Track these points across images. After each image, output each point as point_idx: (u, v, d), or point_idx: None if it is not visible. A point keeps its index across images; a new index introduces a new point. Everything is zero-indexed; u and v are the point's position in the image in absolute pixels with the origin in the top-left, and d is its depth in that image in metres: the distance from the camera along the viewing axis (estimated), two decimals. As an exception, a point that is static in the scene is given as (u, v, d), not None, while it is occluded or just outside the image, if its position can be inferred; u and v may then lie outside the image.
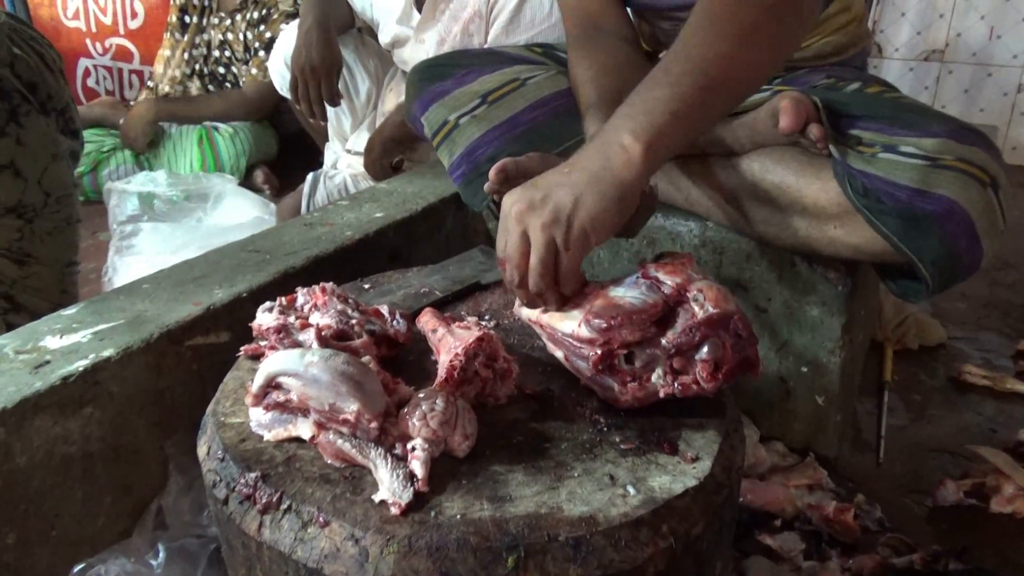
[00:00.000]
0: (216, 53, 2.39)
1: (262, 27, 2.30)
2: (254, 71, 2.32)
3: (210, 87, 2.46)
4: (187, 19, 2.41)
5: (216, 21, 2.36)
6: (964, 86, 2.69)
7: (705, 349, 0.64)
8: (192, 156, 2.30)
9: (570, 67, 1.06)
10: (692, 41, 0.77)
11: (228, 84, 2.44)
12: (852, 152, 0.94)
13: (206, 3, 2.37)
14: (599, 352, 0.65)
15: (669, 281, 0.67)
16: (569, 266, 0.69)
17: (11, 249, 1.13)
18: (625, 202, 0.71)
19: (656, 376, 0.65)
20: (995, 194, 0.88)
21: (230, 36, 2.34)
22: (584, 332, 0.66)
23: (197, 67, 2.44)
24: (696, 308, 0.65)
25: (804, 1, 0.81)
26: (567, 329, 0.68)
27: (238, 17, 2.32)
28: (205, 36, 2.39)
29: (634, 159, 0.71)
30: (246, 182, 2.40)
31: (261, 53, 2.29)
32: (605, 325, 0.65)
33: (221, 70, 2.42)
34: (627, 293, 0.67)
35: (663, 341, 0.65)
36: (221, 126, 2.35)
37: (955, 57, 2.68)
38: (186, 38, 2.42)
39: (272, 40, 2.26)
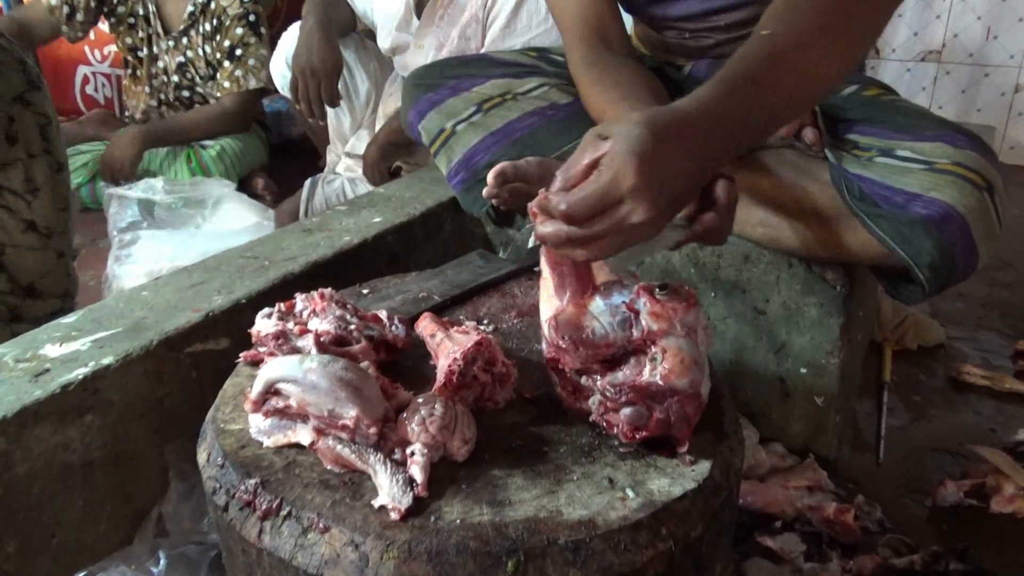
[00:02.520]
0: (176, 78, 2.33)
1: (217, 37, 2.24)
2: (227, 84, 2.26)
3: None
4: (139, 53, 2.35)
5: (166, 46, 2.29)
6: (961, 86, 2.70)
7: (627, 412, 0.61)
8: (182, 177, 2.27)
9: (586, 87, 1.00)
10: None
11: (197, 104, 2.38)
12: (848, 156, 0.94)
13: (149, 32, 2.30)
14: (551, 354, 0.65)
15: (645, 324, 0.61)
16: (609, 247, 0.64)
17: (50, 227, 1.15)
18: None
19: (592, 402, 0.64)
20: (991, 198, 0.88)
21: (189, 54, 2.28)
22: (544, 330, 0.66)
23: (162, 96, 2.39)
24: (646, 368, 0.61)
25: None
26: (543, 312, 0.69)
27: (192, 33, 2.26)
28: (160, 63, 2.33)
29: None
30: (246, 189, 2.40)
31: (226, 63, 2.25)
32: (556, 342, 0.63)
33: (186, 93, 2.37)
34: (601, 315, 0.63)
35: (598, 381, 0.63)
36: (208, 144, 2.30)
37: (952, 58, 2.69)
38: (143, 70, 2.36)
39: (232, 48, 2.23)
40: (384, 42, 1.74)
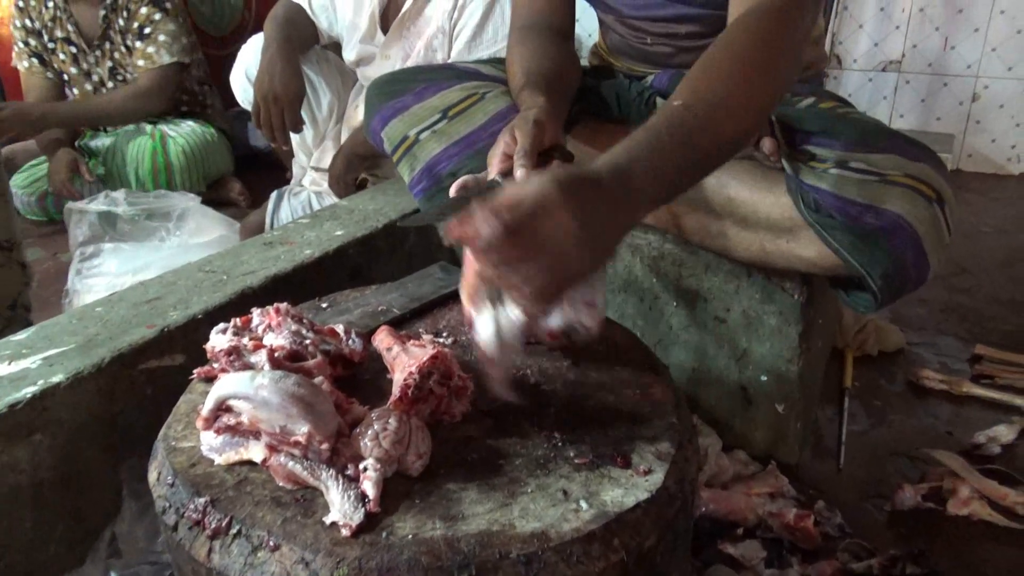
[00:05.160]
0: (111, 84, 2.33)
1: (132, 24, 2.24)
2: (140, 62, 2.24)
3: None
4: (66, 77, 2.34)
5: (93, 59, 2.29)
6: (921, 96, 2.75)
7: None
8: (144, 167, 2.25)
9: (508, 53, 1.10)
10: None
11: None
12: (804, 167, 0.95)
13: (73, 52, 2.29)
14: None
15: None
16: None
17: None
18: None
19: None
20: (941, 209, 0.90)
21: (116, 56, 2.28)
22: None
23: None
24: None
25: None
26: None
27: (111, 35, 2.25)
28: (94, 77, 2.33)
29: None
30: (219, 194, 2.37)
31: (137, 44, 2.23)
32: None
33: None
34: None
35: None
36: (173, 134, 2.29)
37: (912, 67, 2.74)
38: (79, 88, 2.35)
39: (140, 28, 2.22)
40: (349, 54, 1.74)
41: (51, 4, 2.23)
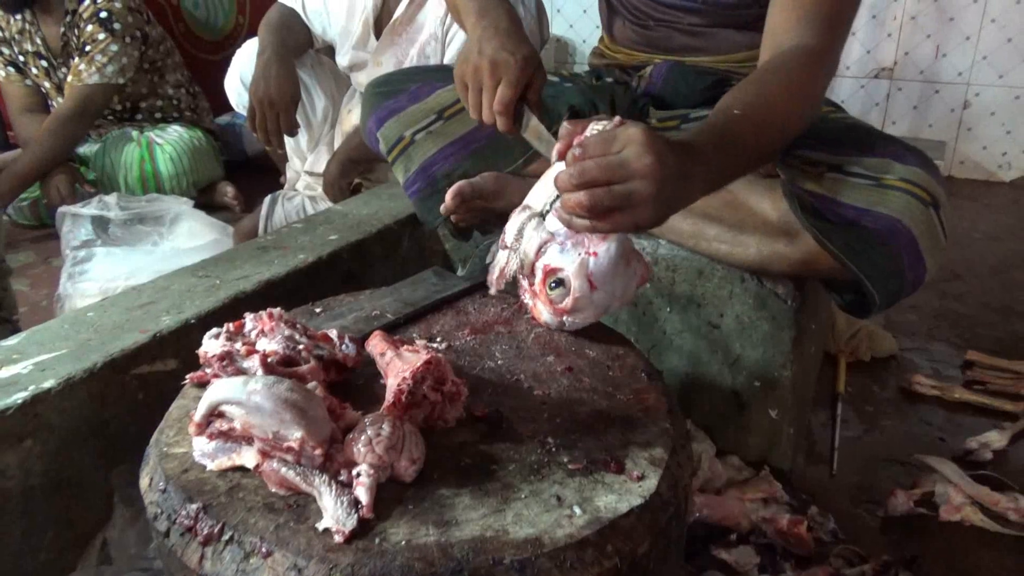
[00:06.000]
0: None
1: (79, 41, 2.19)
2: (69, 78, 2.19)
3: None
4: (44, 89, 2.31)
5: (63, 74, 2.25)
6: (913, 103, 2.77)
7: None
8: (132, 175, 2.24)
9: None
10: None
11: (112, 113, 2.37)
12: (799, 172, 0.96)
13: (44, 66, 2.26)
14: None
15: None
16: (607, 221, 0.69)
17: None
18: None
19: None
20: (936, 213, 0.91)
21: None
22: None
23: None
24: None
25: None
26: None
27: (70, 51, 2.22)
28: (65, 92, 2.28)
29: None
30: (213, 198, 2.36)
31: (75, 59, 2.18)
32: None
33: None
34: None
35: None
36: (160, 142, 2.27)
37: (903, 75, 2.76)
38: (54, 103, 2.31)
39: (83, 45, 2.18)
40: (342, 59, 1.74)
41: (19, 16, 2.20)
